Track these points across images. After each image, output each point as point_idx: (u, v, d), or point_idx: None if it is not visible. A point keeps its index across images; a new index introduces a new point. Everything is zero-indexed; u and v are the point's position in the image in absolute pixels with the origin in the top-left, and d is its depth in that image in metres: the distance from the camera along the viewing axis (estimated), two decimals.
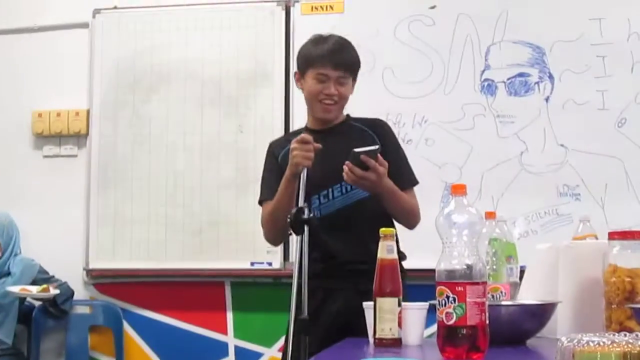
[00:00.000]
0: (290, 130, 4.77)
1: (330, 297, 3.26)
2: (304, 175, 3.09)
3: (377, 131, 3.43)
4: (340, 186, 3.26)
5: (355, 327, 2.87)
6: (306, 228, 2.91)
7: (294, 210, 2.92)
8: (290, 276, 2.90)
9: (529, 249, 2.87)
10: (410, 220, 3.35)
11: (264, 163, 3.52)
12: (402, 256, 3.30)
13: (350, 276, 3.19)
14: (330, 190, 3.29)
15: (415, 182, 3.43)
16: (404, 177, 3.37)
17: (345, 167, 3.08)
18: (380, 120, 3.54)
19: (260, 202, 3.46)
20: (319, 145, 3.13)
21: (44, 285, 5.09)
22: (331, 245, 3.25)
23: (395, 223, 3.36)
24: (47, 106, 5.54)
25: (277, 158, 3.45)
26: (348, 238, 3.27)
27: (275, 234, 3.44)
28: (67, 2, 5.64)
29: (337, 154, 3.14)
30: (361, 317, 2.72)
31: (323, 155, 3.14)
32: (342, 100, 3.37)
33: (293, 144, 3.15)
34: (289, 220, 2.92)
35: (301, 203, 3.03)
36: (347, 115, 3.48)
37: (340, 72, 3.31)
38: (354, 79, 3.40)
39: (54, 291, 5.09)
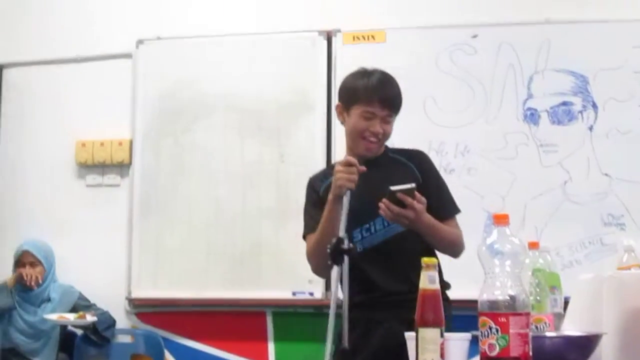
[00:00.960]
0: (331, 162, 4.76)
1: (372, 328, 3.23)
2: (347, 198, 3.08)
3: (417, 163, 3.41)
4: (382, 219, 3.23)
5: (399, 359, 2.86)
6: (346, 258, 2.89)
7: (333, 240, 2.90)
8: None
9: (573, 279, 2.84)
10: (453, 250, 3.32)
11: (306, 197, 3.48)
12: (445, 285, 3.28)
13: (392, 307, 3.16)
14: (372, 223, 3.27)
15: (457, 211, 3.40)
16: (445, 207, 3.35)
17: (381, 205, 3.06)
18: (420, 152, 3.51)
19: (304, 237, 3.44)
20: (363, 168, 3.12)
21: (81, 312, 5.12)
22: (373, 277, 3.22)
23: (438, 252, 3.33)
24: (91, 136, 5.59)
25: (318, 192, 3.42)
26: (390, 269, 3.24)
27: (323, 264, 3.39)
28: (111, 33, 5.70)
29: (378, 187, 3.12)
30: (405, 348, 2.71)
31: (363, 188, 3.12)
32: (385, 138, 3.36)
33: (338, 167, 3.14)
34: (328, 250, 2.91)
35: (343, 227, 3.02)
36: (386, 147, 3.46)
37: (387, 110, 3.29)
38: (396, 116, 3.38)
39: (91, 318, 5.11)
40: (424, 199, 3.09)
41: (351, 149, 3.38)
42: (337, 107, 3.42)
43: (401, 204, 3.05)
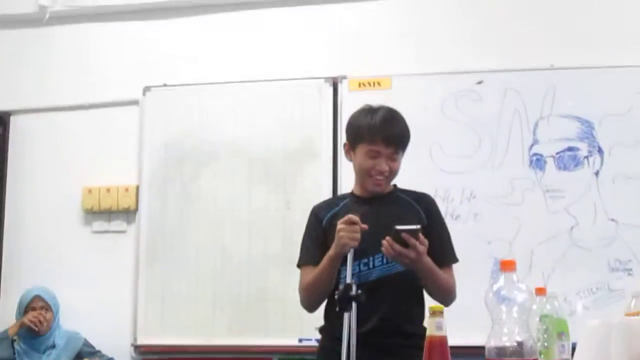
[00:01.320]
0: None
1: None
2: (350, 255, 3.08)
3: (424, 206, 3.42)
4: (381, 256, 3.24)
5: None
6: (354, 305, 2.89)
7: (342, 287, 2.90)
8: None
9: (581, 326, 2.83)
10: (445, 298, 3.30)
11: (306, 226, 3.48)
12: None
13: (370, 349, 3.13)
14: (371, 259, 3.27)
15: (455, 261, 3.41)
16: (445, 255, 3.36)
17: (384, 242, 3.07)
18: (428, 196, 3.52)
19: (299, 266, 3.44)
20: (365, 227, 3.13)
21: (84, 359, 5.11)
22: (362, 313, 3.20)
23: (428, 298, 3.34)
24: (97, 182, 5.60)
25: (321, 222, 3.42)
26: (379, 307, 3.23)
27: (312, 303, 3.40)
28: (118, 80, 5.73)
29: (382, 224, 3.12)
30: None
31: (368, 223, 3.13)
32: (393, 175, 3.37)
33: (340, 225, 3.14)
34: (336, 297, 2.90)
35: (350, 274, 3.02)
36: (395, 186, 3.47)
37: (392, 148, 3.31)
38: (404, 152, 3.40)
39: None
40: (426, 242, 3.10)
41: (360, 185, 3.40)
42: (344, 145, 3.45)
43: (404, 243, 3.06)
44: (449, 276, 3.35)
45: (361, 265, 3.26)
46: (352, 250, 3.08)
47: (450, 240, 3.43)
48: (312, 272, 3.30)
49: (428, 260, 3.16)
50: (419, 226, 3.08)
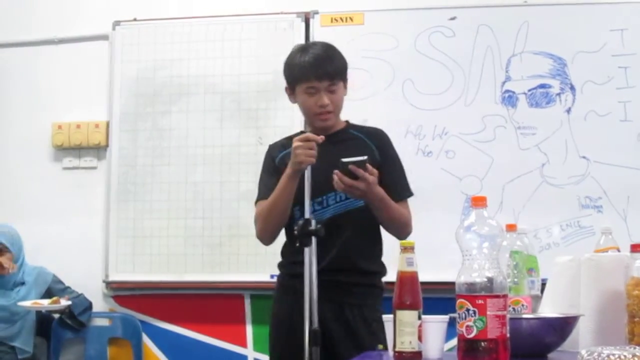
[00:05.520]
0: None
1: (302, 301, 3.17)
2: (308, 173, 3.11)
3: (376, 142, 3.44)
4: (335, 194, 3.28)
5: (326, 336, 3.00)
6: (314, 240, 2.91)
7: (301, 222, 2.93)
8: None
9: (551, 262, 2.85)
10: (400, 230, 3.34)
11: (263, 164, 3.55)
12: (382, 271, 3.35)
13: (326, 286, 3.15)
14: (325, 197, 3.31)
15: (409, 194, 3.44)
16: (398, 188, 3.39)
17: (334, 176, 3.09)
18: (380, 131, 3.53)
19: (256, 202, 3.47)
20: (322, 138, 3.15)
21: (54, 298, 5.09)
22: (317, 251, 3.20)
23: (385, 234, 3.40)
24: (67, 118, 5.55)
25: (274, 160, 3.47)
26: (332, 247, 3.27)
27: (267, 231, 3.42)
28: (88, 14, 5.66)
29: (334, 162, 3.14)
30: (333, 327, 3.03)
31: (319, 162, 3.15)
32: (337, 107, 3.38)
33: (295, 143, 3.17)
34: (295, 231, 2.93)
35: (308, 200, 3.06)
36: (347, 122, 3.49)
37: (327, 81, 3.31)
38: (345, 81, 3.40)
39: (64, 303, 5.08)
40: (375, 171, 3.14)
41: (310, 125, 3.43)
42: (285, 89, 3.49)
43: (353, 175, 3.08)
44: (402, 208, 3.37)
45: (315, 205, 3.28)
46: (309, 169, 3.10)
47: (404, 175, 3.46)
48: (268, 200, 3.33)
49: (379, 190, 3.20)
50: (365, 157, 3.12)
